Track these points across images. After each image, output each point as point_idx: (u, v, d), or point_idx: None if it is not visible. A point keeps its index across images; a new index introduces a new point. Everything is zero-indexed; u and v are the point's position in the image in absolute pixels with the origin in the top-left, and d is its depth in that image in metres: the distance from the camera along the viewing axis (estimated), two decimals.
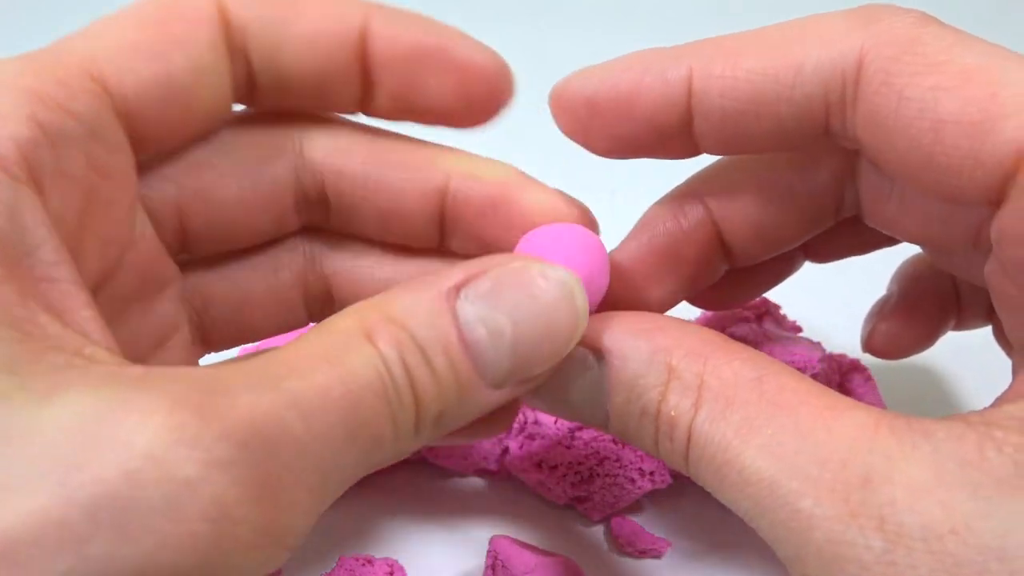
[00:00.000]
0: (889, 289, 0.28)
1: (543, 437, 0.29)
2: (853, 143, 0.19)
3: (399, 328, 0.17)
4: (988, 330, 0.27)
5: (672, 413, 0.18)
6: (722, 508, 0.31)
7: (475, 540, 0.29)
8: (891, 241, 0.24)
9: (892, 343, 0.27)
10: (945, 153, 0.17)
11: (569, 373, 0.20)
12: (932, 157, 0.18)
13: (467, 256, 0.22)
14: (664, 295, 0.23)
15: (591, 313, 0.20)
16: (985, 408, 0.18)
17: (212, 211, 0.22)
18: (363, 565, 0.28)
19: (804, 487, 0.16)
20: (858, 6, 0.19)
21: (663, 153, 0.22)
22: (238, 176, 0.22)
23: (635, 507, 0.30)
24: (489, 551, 0.28)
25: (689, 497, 0.31)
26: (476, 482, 0.31)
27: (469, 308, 0.18)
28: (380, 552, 0.28)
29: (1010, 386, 0.18)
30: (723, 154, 0.22)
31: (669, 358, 0.19)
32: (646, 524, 0.30)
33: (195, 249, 0.22)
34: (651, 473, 0.29)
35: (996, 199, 0.17)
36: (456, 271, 0.18)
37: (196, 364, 0.23)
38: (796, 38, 0.19)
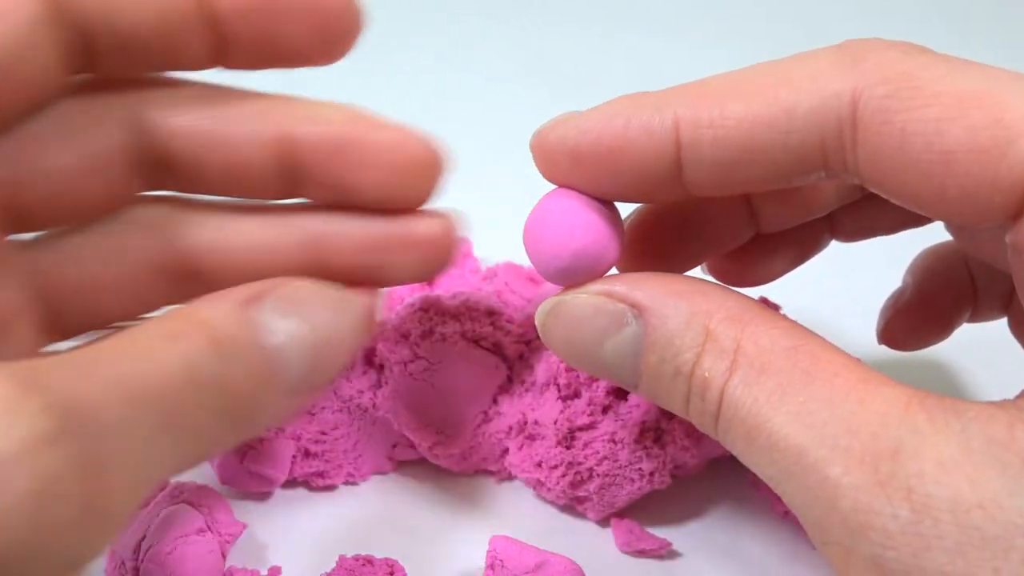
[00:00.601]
0: (904, 281, 0.28)
1: (542, 437, 0.29)
2: (856, 180, 0.19)
3: (205, 327, 0.18)
4: (1003, 323, 0.27)
5: (706, 375, 0.19)
6: (722, 508, 0.31)
7: (475, 540, 0.29)
8: (918, 220, 0.24)
9: (908, 335, 0.27)
10: (958, 184, 0.17)
11: (606, 329, 0.20)
12: (945, 189, 0.17)
13: (329, 207, 0.23)
14: (687, 255, 0.23)
15: (600, 276, 0.21)
16: (1016, 396, 0.18)
17: (45, 184, 0.21)
18: (363, 565, 0.28)
19: (833, 455, 0.17)
20: (842, 42, 0.19)
21: (652, 199, 0.22)
22: (70, 146, 0.21)
23: (635, 507, 0.30)
24: (489, 551, 0.28)
25: (689, 497, 0.31)
26: (476, 482, 0.31)
27: (269, 314, 0.19)
28: (380, 552, 0.28)
29: None
30: (717, 195, 0.21)
31: (708, 321, 0.19)
32: (646, 524, 0.30)
33: (32, 227, 0.22)
34: (651, 474, 0.29)
35: (1015, 216, 0.17)
36: (248, 288, 0.20)
37: (39, 353, 0.23)
38: (784, 80, 0.19)
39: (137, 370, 0.17)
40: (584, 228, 0.20)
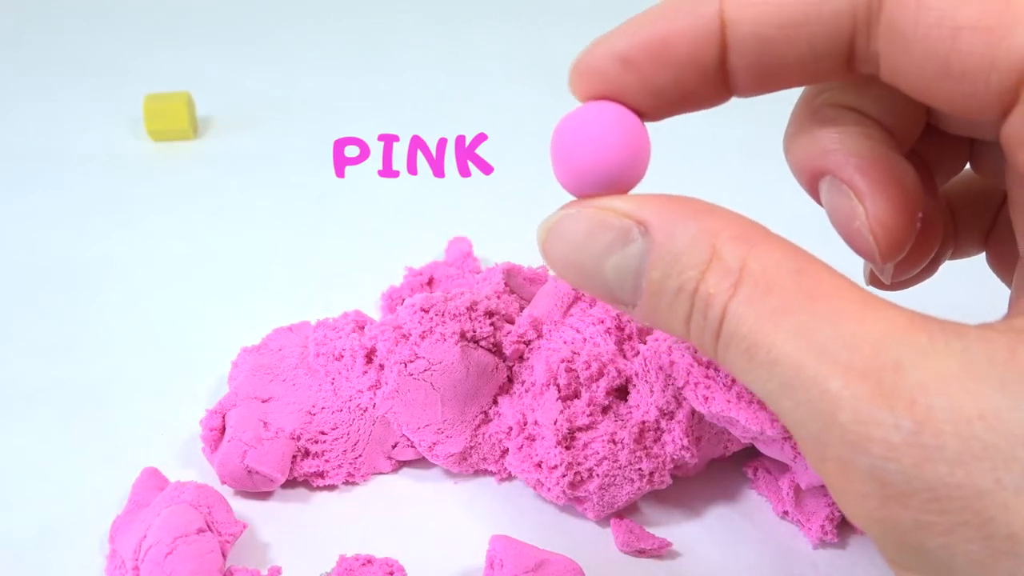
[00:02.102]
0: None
1: (542, 438, 0.29)
2: (874, 64, 0.20)
3: None
4: (981, 260, 0.27)
5: (710, 291, 0.19)
6: (722, 508, 0.31)
7: (475, 540, 0.29)
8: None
9: (895, 274, 0.27)
10: (961, 59, 0.18)
11: (611, 244, 0.20)
12: (948, 64, 0.18)
13: None
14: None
15: (627, 192, 0.20)
16: (1005, 317, 0.18)
17: None
18: (363, 565, 0.28)
19: (833, 369, 0.17)
20: None
21: (697, 100, 0.22)
22: None
23: (635, 507, 0.30)
24: (489, 551, 0.28)
25: (689, 497, 0.31)
26: (476, 482, 0.31)
27: None
28: (380, 552, 0.28)
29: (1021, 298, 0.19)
30: (755, 94, 0.22)
31: (714, 239, 0.19)
32: (646, 524, 0.30)
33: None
34: (651, 474, 0.29)
35: (1009, 106, 0.18)
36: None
37: None
38: None
39: None
40: (625, 138, 0.20)
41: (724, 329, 0.19)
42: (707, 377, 0.28)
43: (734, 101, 0.22)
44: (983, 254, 0.27)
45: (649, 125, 0.21)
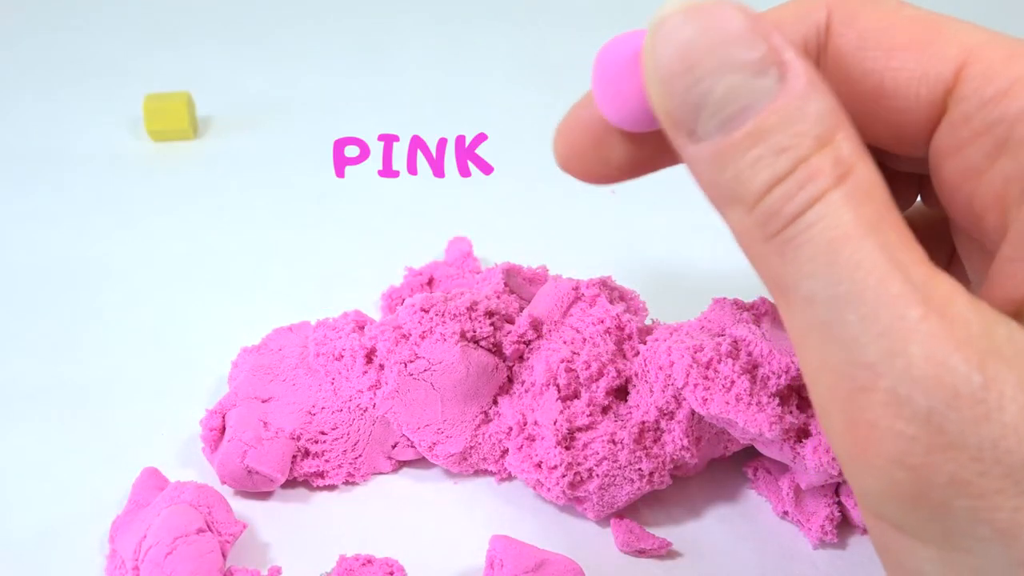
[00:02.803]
0: None
1: (542, 438, 0.29)
2: (838, 68, 0.21)
3: None
4: None
5: (821, 167, 0.17)
6: (722, 508, 0.31)
7: (475, 540, 0.29)
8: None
9: None
10: (894, 75, 0.19)
11: (741, 65, 0.17)
12: (883, 83, 0.19)
13: None
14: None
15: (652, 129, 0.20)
16: None
17: None
18: (363, 565, 0.28)
19: (916, 298, 0.16)
20: None
21: (663, 163, 0.22)
22: None
23: (635, 507, 0.30)
24: (489, 551, 0.28)
25: (689, 497, 0.31)
26: (476, 482, 0.32)
27: None
28: (380, 552, 0.28)
29: (987, 286, 0.19)
30: None
31: (836, 131, 0.18)
32: (646, 524, 0.30)
33: None
34: (650, 474, 0.29)
35: (937, 119, 0.19)
36: None
37: None
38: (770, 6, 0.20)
39: None
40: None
41: (808, 215, 0.17)
42: (706, 378, 0.28)
43: None
44: None
45: None
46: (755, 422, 0.27)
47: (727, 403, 0.27)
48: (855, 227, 0.17)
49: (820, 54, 0.20)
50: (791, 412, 0.28)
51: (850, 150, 0.18)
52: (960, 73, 0.19)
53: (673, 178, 0.24)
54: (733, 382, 0.27)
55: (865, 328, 0.16)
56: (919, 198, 0.25)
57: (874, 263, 0.16)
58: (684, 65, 0.18)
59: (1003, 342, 0.16)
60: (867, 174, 0.18)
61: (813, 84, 0.18)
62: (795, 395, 0.28)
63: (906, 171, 0.23)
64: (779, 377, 0.28)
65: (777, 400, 0.27)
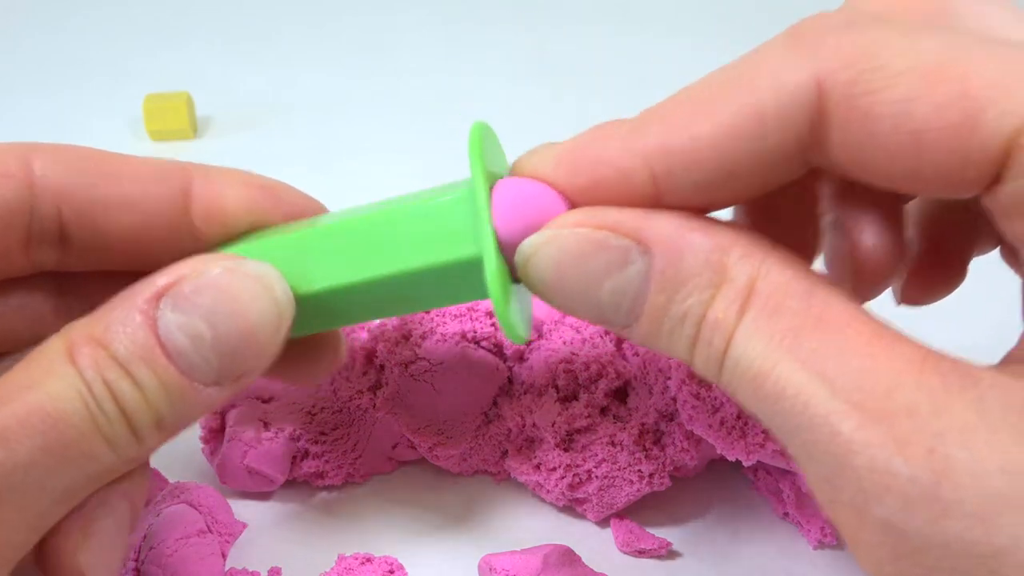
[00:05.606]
0: (909, 236, 0.27)
1: (541, 440, 0.29)
2: (837, 169, 0.19)
3: (99, 347, 0.18)
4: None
5: (718, 316, 0.17)
6: (722, 508, 0.31)
7: (475, 541, 0.29)
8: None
9: (927, 288, 0.26)
10: (931, 161, 0.17)
11: (608, 266, 0.18)
12: (919, 168, 0.17)
13: None
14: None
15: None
16: (1016, 348, 0.17)
17: None
18: (363, 564, 0.28)
19: (846, 409, 0.16)
20: (789, 28, 0.18)
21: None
22: None
23: (635, 507, 0.30)
24: (483, 568, 0.27)
25: (689, 497, 0.31)
26: (475, 483, 0.31)
27: (169, 316, 0.19)
28: (380, 552, 0.28)
29: None
30: (708, 209, 0.20)
31: (726, 257, 0.18)
32: (646, 524, 0.30)
33: None
34: (650, 475, 0.29)
35: (989, 185, 0.17)
36: (159, 277, 0.19)
37: None
38: (746, 84, 0.18)
39: (27, 408, 0.17)
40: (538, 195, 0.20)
41: (729, 355, 0.17)
42: (695, 396, 0.27)
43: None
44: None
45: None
46: (732, 450, 0.27)
47: (709, 426, 0.27)
48: (768, 355, 0.17)
49: (822, 144, 0.18)
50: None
51: (743, 270, 0.18)
52: (1011, 151, 0.16)
53: None
54: (722, 404, 0.27)
55: (809, 452, 0.16)
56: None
57: (796, 386, 0.16)
58: (563, 294, 0.19)
59: (966, 410, 0.16)
60: (770, 282, 0.17)
61: (681, 237, 0.18)
62: None
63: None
64: None
65: (763, 429, 0.27)
